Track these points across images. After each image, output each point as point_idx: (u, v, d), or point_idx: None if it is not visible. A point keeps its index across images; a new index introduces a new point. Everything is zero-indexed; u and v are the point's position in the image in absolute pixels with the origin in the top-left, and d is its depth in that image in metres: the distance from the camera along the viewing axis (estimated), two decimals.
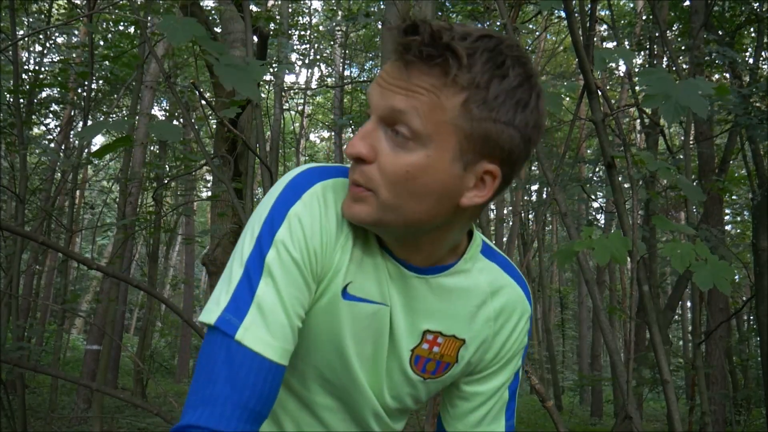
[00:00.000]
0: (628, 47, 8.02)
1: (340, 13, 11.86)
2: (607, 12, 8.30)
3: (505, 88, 0.73)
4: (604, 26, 8.44)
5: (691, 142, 5.52)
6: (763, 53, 6.96)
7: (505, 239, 15.84)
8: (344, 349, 0.87)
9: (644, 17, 9.14)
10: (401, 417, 1.01)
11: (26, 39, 8.24)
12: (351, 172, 0.78)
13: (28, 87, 5.56)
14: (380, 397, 0.94)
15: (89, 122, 5.86)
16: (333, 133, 15.38)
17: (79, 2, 7.11)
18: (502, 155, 0.76)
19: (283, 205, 0.80)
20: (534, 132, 0.77)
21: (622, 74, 10.38)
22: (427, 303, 0.89)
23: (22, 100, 5.56)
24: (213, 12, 6.67)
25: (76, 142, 7.18)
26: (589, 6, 1.81)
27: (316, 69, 14.10)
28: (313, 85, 14.14)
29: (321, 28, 13.09)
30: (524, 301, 0.95)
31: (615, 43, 9.16)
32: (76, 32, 8.33)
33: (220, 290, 0.79)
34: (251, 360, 0.74)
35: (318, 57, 13.43)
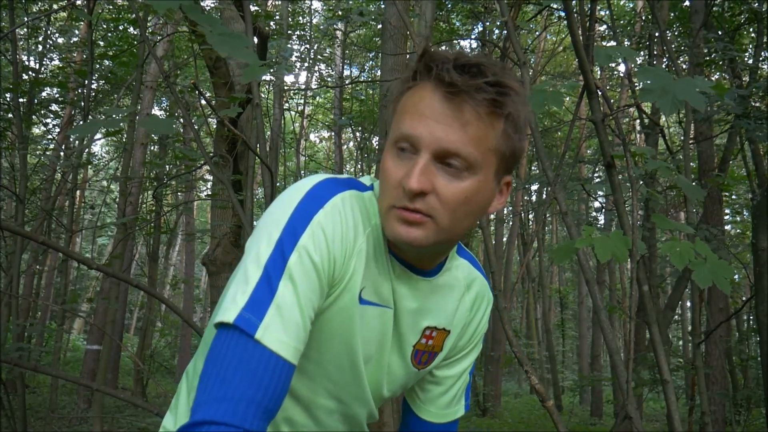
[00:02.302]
0: (627, 47, 7.99)
1: (339, 12, 11.84)
2: (607, 12, 8.31)
3: (525, 110, 0.84)
4: (604, 26, 8.45)
5: (690, 142, 5.52)
6: (762, 53, 6.96)
7: (505, 239, 15.82)
8: (355, 350, 0.92)
9: (644, 17, 9.14)
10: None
11: (26, 39, 8.23)
12: (402, 200, 0.82)
13: (28, 87, 5.56)
14: (378, 391, 1.00)
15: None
16: (333, 133, 15.38)
17: (79, 2, 7.11)
18: (515, 166, 0.89)
19: (305, 213, 0.84)
20: None
21: (622, 74, 10.39)
22: (429, 302, 0.97)
23: (22, 100, 5.55)
24: (213, 12, 6.68)
25: (76, 142, 7.18)
26: (589, 6, 1.81)
27: (315, 69, 14.08)
28: (313, 85, 14.13)
29: (321, 27, 13.08)
30: (489, 290, 1.09)
31: (614, 43, 9.15)
32: (76, 32, 8.33)
33: (235, 291, 0.81)
34: (268, 359, 0.76)
35: (318, 57, 13.42)
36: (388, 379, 1.00)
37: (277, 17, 9.13)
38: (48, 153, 8.29)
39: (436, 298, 0.98)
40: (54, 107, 8.21)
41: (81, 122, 6.28)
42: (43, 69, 8.42)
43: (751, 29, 7.77)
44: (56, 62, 9.14)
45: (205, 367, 0.77)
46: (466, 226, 0.85)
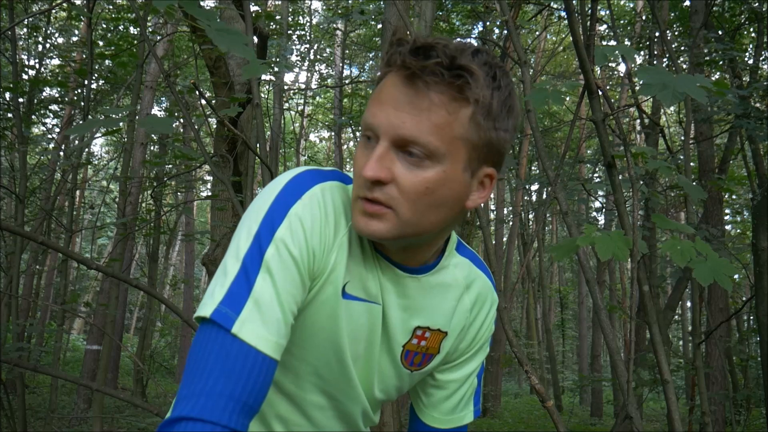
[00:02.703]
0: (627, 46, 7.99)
1: (339, 11, 11.85)
2: (607, 12, 8.31)
3: (501, 98, 0.79)
4: (604, 26, 8.45)
5: (690, 142, 5.52)
6: (763, 53, 6.96)
7: (505, 239, 15.82)
8: (341, 346, 0.89)
9: (644, 17, 9.14)
10: (379, 408, 1.06)
11: (26, 39, 8.24)
12: (363, 190, 0.79)
13: (28, 87, 5.55)
14: (370, 391, 0.97)
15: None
16: (333, 133, 15.38)
17: (78, 1, 7.11)
18: (498, 158, 0.83)
19: (282, 205, 0.81)
20: (515, 132, 0.84)
21: (622, 74, 10.39)
22: (418, 301, 0.93)
23: (21, 100, 5.55)
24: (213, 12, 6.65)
25: (76, 141, 7.18)
26: (590, 6, 1.81)
27: (316, 69, 14.09)
28: (313, 85, 14.13)
29: (321, 27, 13.08)
30: (492, 291, 1.03)
31: (615, 43, 9.15)
32: (76, 31, 8.34)
33: (214, 285, 0.79)
34: (246, 353, 0.75)
35: (318, 57, 13.42)
36: (379, 378, 0.97)
37: (277, 17, 9.13)
38: (47, 151, 8.29)
39: (428, 298, 0.93)
40: (54, 107, 8.22)
41: (81, 122, 6.28)
42: (42, 69, 8.42)
43: (751, 29, 7.76)
44: (56, 61, 9.15)
45: (187, 363, 0.76)
46: (435, 220, 0.81)
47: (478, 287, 1.00)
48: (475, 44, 0.80)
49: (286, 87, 12.00)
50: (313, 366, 0.91)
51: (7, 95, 4.81)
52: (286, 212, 0.81)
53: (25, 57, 8.56)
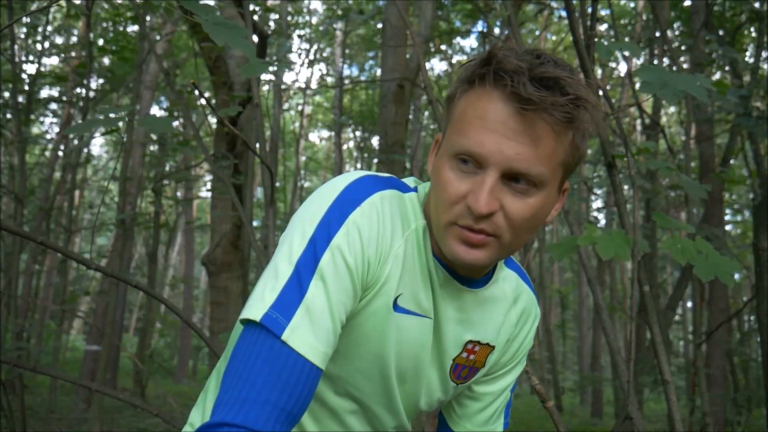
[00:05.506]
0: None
1: (339, 12, 11.85)
2: (608, 12, 8.30)
3: (588, 117, 0.78)
4: (605, 25, 8.45)
5: (691, 140, 5.51)
6: (763, 53, 6.95)
7: None
8: (386, 359, 0.87)
9: (644, 17, 9.13)
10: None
11: (24, 39, 8.23)
12: (466, 219, 0.78)
13: (27, 86, 5.55)
14: (415, 404, 0.96)
15: None
16: (333, 133, 15.37)
17: (78, 1, 7.10)
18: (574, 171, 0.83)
19: (340, 211, 0.80)
20: None
21: (622, 75, 10.38)
22: (474, 314, 0.92)
23: (21, 99, 5.55)
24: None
25: (75, 141, 7.18)
26: (590, 6, 1.80)
27: (316, 69, 14.10)
28: (313, 85, 14.12)
29: (321, 28, 13.08)
30: (536, 305, 1.02)
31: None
32: (75, 31, 8.33)
33: (264, 287, 0.77)
34: (295, 361, 0.73)
35: (318, 57, 13.42)
36: (426, 391, 0.95)
37: (276, 17, 9.13)
38: (47, 152, 8.29)
39: (481, 311, 0.92)
40: (53, 106, 8.21)
41: (80, 122, 6.27)
42: (42, 70, 8.41)
43: (752, 28, 7.75)
44: (55, 61, 9.14)
45: (229, 365, 0.74)
46: (526, 240, 0.82)
47: (524, 301, 0.99)
48: (568, 65, 0.78)
49: (284, 87, 12.01)
50: (352, 375, 0.89)
51: (6, 94, 4.81)
52: (344, 219, 0.79)
53: (24, 55, 8.55)
